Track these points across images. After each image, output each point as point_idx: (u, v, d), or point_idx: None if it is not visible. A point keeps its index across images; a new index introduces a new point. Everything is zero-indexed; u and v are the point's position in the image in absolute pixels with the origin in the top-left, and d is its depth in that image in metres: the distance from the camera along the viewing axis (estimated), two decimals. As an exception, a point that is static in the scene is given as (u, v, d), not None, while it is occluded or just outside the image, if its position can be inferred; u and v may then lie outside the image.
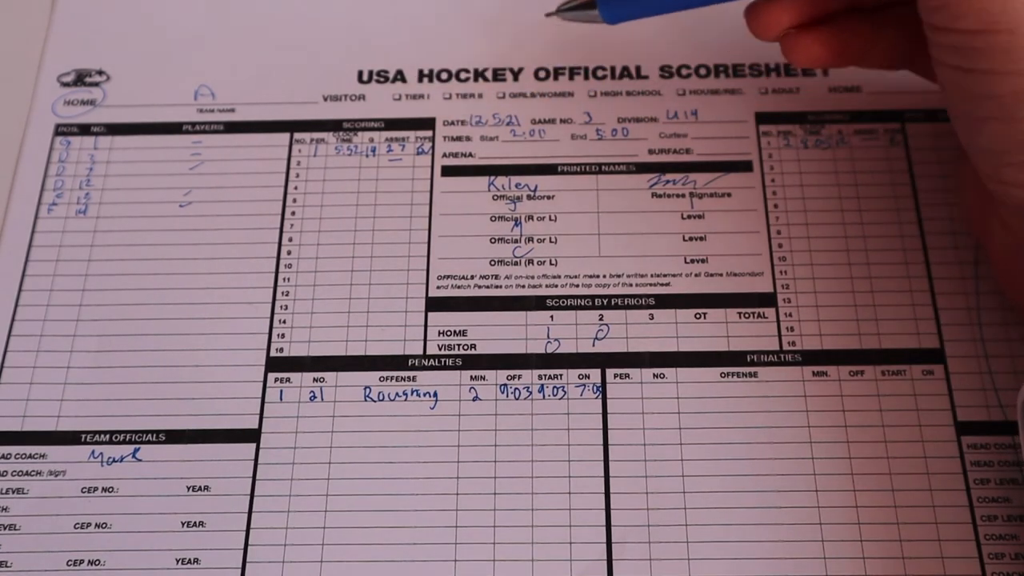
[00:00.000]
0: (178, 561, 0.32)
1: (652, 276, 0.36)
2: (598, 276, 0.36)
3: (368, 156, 0.38)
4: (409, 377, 0.35)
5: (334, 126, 0.39)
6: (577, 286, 0.36)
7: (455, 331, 0.35)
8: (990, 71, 0.27)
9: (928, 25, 0.28)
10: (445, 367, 0.35)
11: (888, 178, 0.37)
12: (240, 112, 0.39)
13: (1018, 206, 0.30)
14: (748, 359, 0.34)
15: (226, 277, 0.36)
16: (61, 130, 0.39)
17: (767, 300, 0.35)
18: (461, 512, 0.32)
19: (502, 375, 0.34)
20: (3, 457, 0.34)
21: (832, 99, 0.39)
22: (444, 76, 0.40)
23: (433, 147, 0.38)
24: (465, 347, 0.35)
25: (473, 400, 0.34)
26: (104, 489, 0.33)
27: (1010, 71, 0.26)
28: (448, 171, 0.38)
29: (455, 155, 0.38)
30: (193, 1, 0.42)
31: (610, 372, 0.34)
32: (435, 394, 0.34)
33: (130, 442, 0.34)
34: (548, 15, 0.36)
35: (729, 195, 0.37)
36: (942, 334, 0.35)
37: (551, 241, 0.37)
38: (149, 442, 0.34)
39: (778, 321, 0.35)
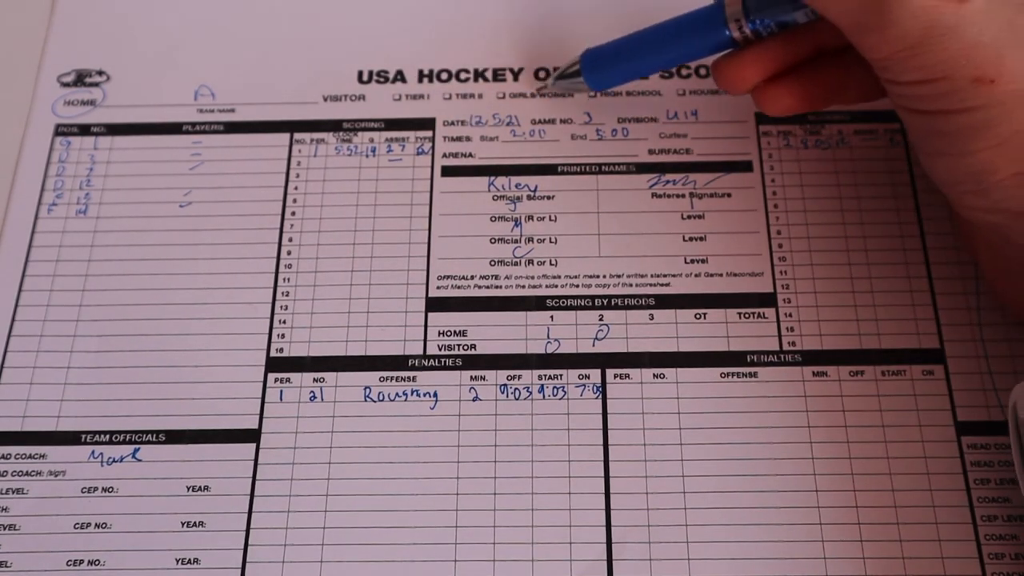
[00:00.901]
0: (178, 561, 0.32)
1: (652, 276, 0.36)
2: (598, 276, 0.36)
3: (368, 156, 0.38)
4: (409, 377, 0.35)
5: (334, 126, 0.39)
6: (577, 286, 0.36)
7: (455, 331, 0.35)
8: (936, 112, 0.29)
9: (880, 79, 0.31)
10: (445, 367, 0.35)
11: (888, 178, 0.37)
12: (240, 112, 0.39)
13: (987, 225, 0.31)
14: (748, 359, 0.34)
15: (226, 277, 0.36)
16: (61, 130, 0.39)
17: (767, 300, 0.35)
18: (461, 512, 0.32)
19: (502, 375, 0.34)
20: (3, 457, 0.34)
21: (832, 99, 0.39)
22: (444, 76, 0.40)
23: (433, 147, 0.38)
24: (465, 347, 0.35)
25: (473, 400, 0.34)
26: (104, 489, 0.33)
27: (953, 110, 0.28)
28: (448, 171, 0.38)
29: (455, 155, 0.38)
30: (193, 1, 0.42)
31: (610, 372, 0.34)
32: (435, 394, 0.34)
33: (130, 442, 0.34)
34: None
35: (729, 195, 0.37)
36: (942, 334, 0.35)
37: (551, 241, 0.37)
38: (149, 442, 0.34)
39: (778, 321, 0.35)
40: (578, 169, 0.38)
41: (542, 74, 0.40)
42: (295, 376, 0.35)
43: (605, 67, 0.36)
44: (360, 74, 0.40)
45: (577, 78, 0.37)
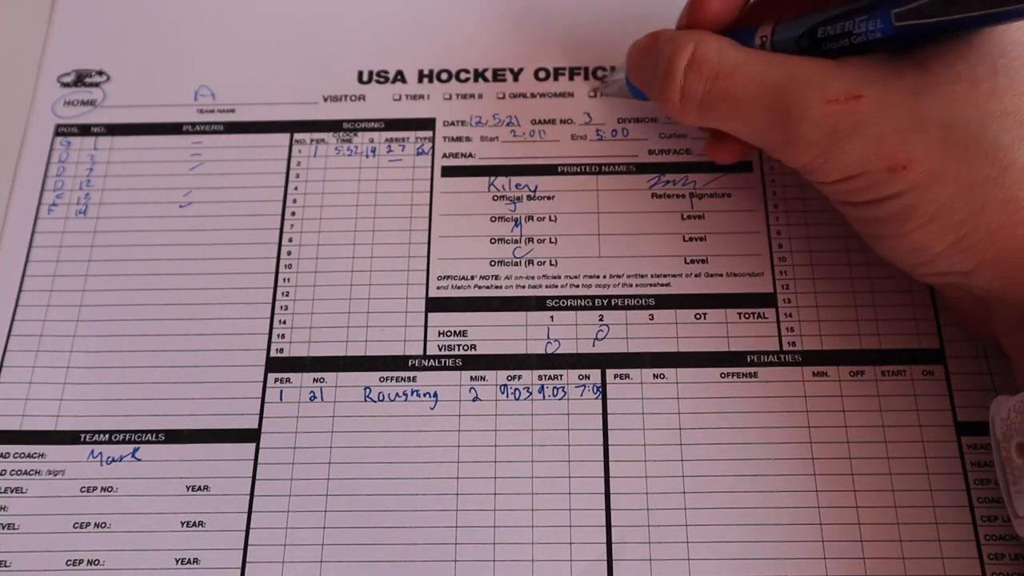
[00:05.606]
0: (178, 561, 0.32)
1: (652, 276, 0.36)
2: (598, 276, 0.36)
3: (368, 156, 0.38)
4: (409, 377, 0.34)
5: (334, 126, 0.39)
6: (577, 286, 0.36)
7: (455, 331, 0.35)
8: (865, 202, 0.30)
9: (809, 182, 0.32)
10: (445, 367, 0.35)
11: (888, 178, 0.37)
12: (240, 112, 0.39)
13: (944, 284, 0.32)
14: (748, 359, 0.34)
15: (226, 277, 0.36)
16: (61, 130, 0.39)
17: (767, 300, 0.35)
18: (461, 512, 0.32)
19: (502, 375, 0.34)
20: (2, 456, 0.34)
21: (832, 99, 0.39)
22: (444, 76, 0.40)
23: (433, 147, 0.38)
24: (465, 347, 0.35)
25: (473, 400, 0.34)
26: (103, 489, 0.33)
27: (878, 199, 0.29)
28: (448, 171, 0.38)
29: (455, 155, 0.38)
30: (193, 1, 0.42)
31: (610, 372, 0.34)
32: (435, 394, 0.34)
33: (129, 442, 0.34)
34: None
35: (729, 195, 0.37)
36: (942, 334, 0.35)
37: (551, 241, 0.37)
38: (148, 442, 0.34)
39: (778, 321, 0.35)
40: (578, 169, 0.38)
41: (542, 74, 0.40)
42: (295, 376, 0.35)
43: None
44: (360, 74, 0.40)
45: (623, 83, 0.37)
